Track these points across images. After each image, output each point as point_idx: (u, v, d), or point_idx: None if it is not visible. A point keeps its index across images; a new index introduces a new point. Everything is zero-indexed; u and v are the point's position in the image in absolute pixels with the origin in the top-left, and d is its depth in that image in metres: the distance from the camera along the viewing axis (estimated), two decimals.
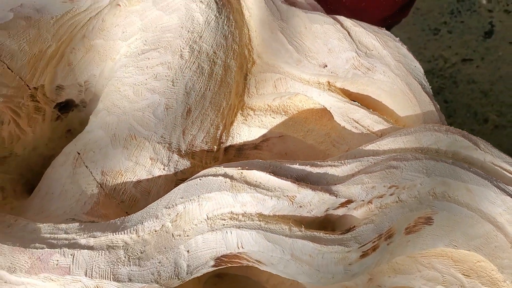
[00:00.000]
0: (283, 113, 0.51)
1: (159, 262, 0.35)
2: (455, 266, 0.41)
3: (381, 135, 0.45)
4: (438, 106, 0.45)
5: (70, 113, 0.50)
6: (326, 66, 0.47)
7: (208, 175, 0.38)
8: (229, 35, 0.47)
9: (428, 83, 0.46)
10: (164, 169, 0.44)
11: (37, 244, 0.35)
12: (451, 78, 1.29)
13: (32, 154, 0.48)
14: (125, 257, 0.34)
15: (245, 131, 0.50)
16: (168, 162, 0.44)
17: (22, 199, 0.46)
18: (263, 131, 0.50)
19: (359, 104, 0.48)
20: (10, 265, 0.34)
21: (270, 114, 0.51)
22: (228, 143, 0.50)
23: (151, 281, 0.34)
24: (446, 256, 0.42)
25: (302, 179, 0.38)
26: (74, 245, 0.34)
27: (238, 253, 0.36)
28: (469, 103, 1.23)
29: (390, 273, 0.43)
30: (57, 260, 0.34)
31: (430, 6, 1.39)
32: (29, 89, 0.45)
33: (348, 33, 0.46)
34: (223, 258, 0.37)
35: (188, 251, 0.36)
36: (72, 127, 0.51)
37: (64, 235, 0.35)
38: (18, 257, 0.34)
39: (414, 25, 1.36)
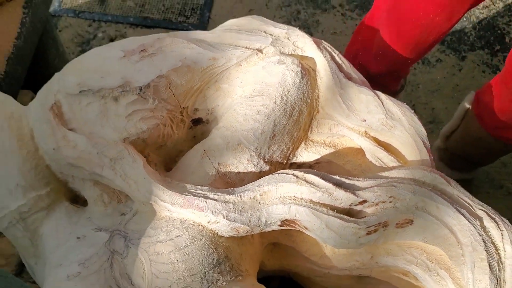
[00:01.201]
0: (332, 147, 0.78)
1: (251, 215, 0.62)
2: (425, 255, 0.66)
3: (392, 169, 0.71)
4: (432, 157, 0.71)
5: (198, 126, 0.78)
6: (365, 121, 0.74)
7: (283, 173, 0.65)
8: (306, 93, 0.75)
9: (428, 142, 0.72)
10: (254, 168, 0.71)
11: (186, 193, 0.62)
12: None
13: (173, 148, 0.76)
14: (233, 209, 0.62)
15: (305, 155, 0.77)
16: (257, 164, 0.71)
17: (163, 172, 0.74)
18: (317, 156, 0.77)
19: (383, 149, 0.74)
20: (172, 201, 0.62)
21: (323, 146, 0.78)
22: (293, 161, 0.77)
23: (245, 224, 0.61)
24: (420, 248, 0.66)
25: (339, 185, 0.64)
26: (206, 197, 0.62)
27: (294, 219, 0.63)
28: (488, 170, 1.45)
29: (384, 254, 0.68)
30: (197, 203, 0.61)
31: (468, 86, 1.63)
32: (181, 108, 0.74)
33: (382, 103, 0.73)
34: (285, 221, 0.63)
35: (267, 213, 0.63)
36: (196, 135, 0.79)
37: (200, 192, 0.63)
38: (176, 198, 0.62)
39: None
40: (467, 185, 1.41)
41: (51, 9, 1.78)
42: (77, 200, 0.75)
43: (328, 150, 0.78)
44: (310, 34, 1.77)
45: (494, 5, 1.83)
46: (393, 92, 1.29)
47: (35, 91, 0.94)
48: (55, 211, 0.68)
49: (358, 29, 1.26)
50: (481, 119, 1.16)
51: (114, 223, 0.65)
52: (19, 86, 0.99)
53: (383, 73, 1.19)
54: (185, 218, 0.62)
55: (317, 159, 0.77)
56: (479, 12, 1.81)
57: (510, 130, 1.11)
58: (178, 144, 0.77)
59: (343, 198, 0.62)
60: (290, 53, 0.78)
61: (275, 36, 0.78)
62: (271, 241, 0.75)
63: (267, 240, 0.74)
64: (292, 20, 1.82)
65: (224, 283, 0.59)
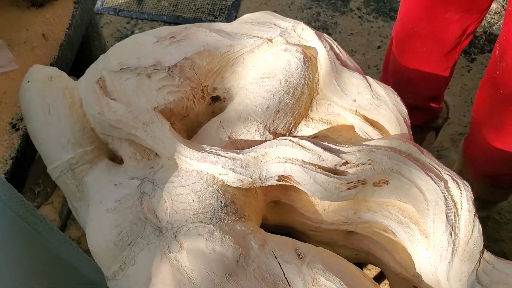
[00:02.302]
0: (328, 124, 0.91)
1: (253, 170, 0.76)
2: (399, 212, 0.79)
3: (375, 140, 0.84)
4: (411, 131, 0.84)
5: (216, 103, 0.93)
6: (355, 101, 0.87)
7: (282, 139, 0.79)
8: (307, 76, 0.89)
9: (409, 119, 0.85)
10: (260, 137, 0.85)
11: (202, 151, 0.77)
12: None
13: (194, 119, 0.91)
14: (239, 164, 0.76)
15: (305, 130, 0.91)
16: (263, 134, 0.86)
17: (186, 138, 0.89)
18: (315, 131, 0.91)
19: (370, 124, 0.87)
20: (191, 156, 0.77)
21: (321, 123, 0.91)
22: (294, 134, 0.91)
23: (248, 177, 0.76)
24: (395, 206, 0.79)
25: (326, 149, 0.78)
26: (218, 154, 0.77)
27: (289, 175, 0.76)
28: None
29: (365, 210, 0.81)
30: (211, 159, 0.76)
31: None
32: (202, 86, 0.90)
33: (370, 85, 0.86)
34: (282, 177, 0.77)
35: (267, 169, 0.77)
36: (215, 111, 0.94)
37: (214, 150, 0.78)
38: (194, 154, 0.77)
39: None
40: (484, 221, 1.42)
41: (95, 7, 1.98)
42: (115, 160, 0.91)
43: (325, 126, 0.91)
44: (329, 34, 1.90)
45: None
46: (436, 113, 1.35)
47: (78, 77, 1.11)
48: (97, 165, 0.84)
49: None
50: (472, 166, 1.20)
51: (145, 174, 0.80)
52: (69, 69, 1.16)
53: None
54: (200, 170, 0.77)
55: (315, 134, 0.91)
56: (490, 18, 1.91)
57: (499, 178, 1.14)
58: (198, 116, 0.92)
59: (329, 159, 0.76)
60: (295, 43, 0.92)
61: (283, 28, 0.93)
62: (273, 199, 0.89)
63: (269, 198, 0.88)
64: (312, 21, 1.96)
65: (229, 221, 0.74)
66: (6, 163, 0.94)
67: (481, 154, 1.14)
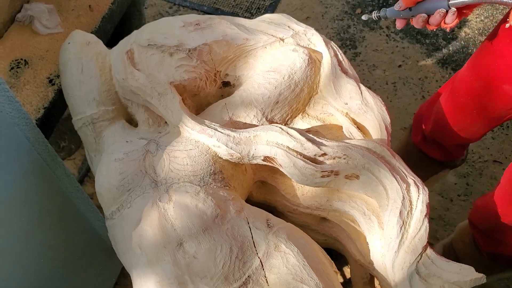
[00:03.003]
0: (322, 121, 1.02)
1: (243, 148, 0.88)
2: (365, 205, 0.89)
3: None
4: (390, 138, 0.94)
5: (226, 88, 1.06)
6: (347, 104, 0.98)
7: (273, 125, 0.91)
8: (308, 76, 1.00)
9: (391, 128, 0.95)
10: (257, 122, 0.97)
11: (203, 124, 0.90)
12: (479, 170, 1.69)
13: (204, 99, 1.04)
14: (232, 140, 0.88)
15: (300, 123, 1.02)
16: (260, 120, 0.97)
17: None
18: (308, 126, 1.02)
19: (356, 127, 0.98)
20: (192, 127, 0.89)
21: (315, 120, 1.03)
22: (290, 126, 1.03)
23: (238, 152, 0.87)
24: (363, 200, 0.90)
25: (310, 140, 0.89)
26: (216, 129, 0.89)
27: (273, 157, 0.88)
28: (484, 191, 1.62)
29: (336, 200, 0.92)
30: (209, 132, 0.88)
31: None
32: (215, 70, 1.02)
33: (361, 93, 0.97)
34: (267, 158, 0.88)
35: (255, 149, 0.88)
36: (224, 95, 1.07)
37: (213, 126, 0.90)
38: (195, 126, 0.89)
39: None
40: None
41: None
42: (131, 123, 1.04)
43: (318, 123, 1.02)
44: (355, 47, 2.01)
45: None
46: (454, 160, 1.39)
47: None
48: (115, 123, 0.98)
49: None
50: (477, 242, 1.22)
51: (152, 136, 0.93)
52: (106, 40, 1.31)
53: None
54: (198, 140, 0.89)
55: (308, 128, 1.02)
56: None
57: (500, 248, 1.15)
58: (208, 97, 1.04)
59: (310, 149, 0.87)
60: (304, 45, 1.04)
61: (295, 31, 1.04)
62: (260, 179, 1.01)
63: (257, 178, 1.00)
64: (341, 32, 2.06)
65: (215, 186, 0.86)
66: (39, 112, 1.09)
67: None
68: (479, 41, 2.03)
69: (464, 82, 1.12)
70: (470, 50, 2.01)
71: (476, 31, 2.06)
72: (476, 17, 2.11)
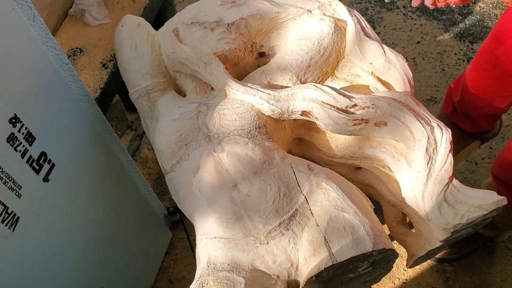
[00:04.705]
0: (350, 82, 1.14)
1: (283, 104, 0.99)
2: (394, 149, 1.00)
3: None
4: (413, 90, 1.04)
5: (262, 58, 1.17)
6: (372, 63, 1.09)
7: (308, 84, 1.02)
8: (335, 42, 1.12)
9: (413, 81, 1.06)
10: (292, 84, 1.09)
11: (246, 86, 1.01)
12: (501, 134, 1.77)
13: (243, 68, 1.16)
14: (273, 98, 0.99)
15: (329, 84, 1.14)
16: (295, 82, 1.09)
17: None
18: (338, 87, 1.13)
19: (382, 84, 1.09)
20: (237, 89, 1.01)
21: (343, 81, 1.14)
22: None
23: (278, 108, 0.99)
24: (391, 144, 1.01)
25: (341, 94, 1.00)
26: (258, 89, 1.00)
27: (310, 111, 0.99)
28: None
29: (368, 147, 1.03)
30: (252, 92, 1.00)
31: None
32: (252, 42, 1.14)
33: (384, 52, 1.08)
34: (304, 112, 1.00)
35: (293, 105, 1.00)
36: (260, 64, 1.18)
37: (255, 86, 1.02)
38: (240, 87, 1.01)
39: None
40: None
41: None
42: (179, 94, 1.17)
43: (346, 84, 1.14)
44: (374, 27, 2.11)
45: None
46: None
47: None
48: (167, 93, 1.11)
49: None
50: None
51: (202, 100, 1.06)
52: None
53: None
54: (243, 99, 1.01)
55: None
56: None
57: None
58: (247, 66, 1.16)
59: (342, 101, 0.98)
60: (330, 15, 1.15)
61: (321, 2, 1.16)
62: (298, 136, 1.12)
63: (295, 135, 1.12)
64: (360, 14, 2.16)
65: (260, 138, 0.98)
66: (96, 92, 1.22)
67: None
68: (493, 14, 2.11)
69: (487, 51, 1.21)
70: (486, 23, 2.09)
71: (490, 5, 2.14)
72: None
